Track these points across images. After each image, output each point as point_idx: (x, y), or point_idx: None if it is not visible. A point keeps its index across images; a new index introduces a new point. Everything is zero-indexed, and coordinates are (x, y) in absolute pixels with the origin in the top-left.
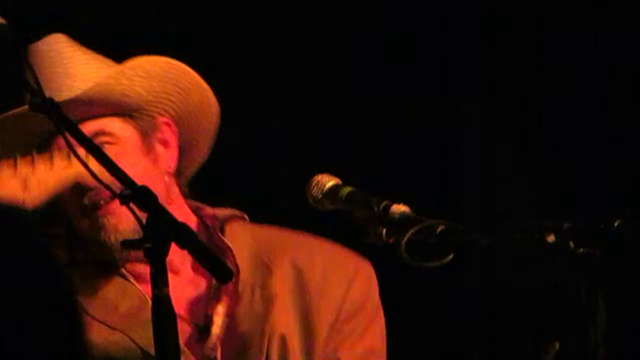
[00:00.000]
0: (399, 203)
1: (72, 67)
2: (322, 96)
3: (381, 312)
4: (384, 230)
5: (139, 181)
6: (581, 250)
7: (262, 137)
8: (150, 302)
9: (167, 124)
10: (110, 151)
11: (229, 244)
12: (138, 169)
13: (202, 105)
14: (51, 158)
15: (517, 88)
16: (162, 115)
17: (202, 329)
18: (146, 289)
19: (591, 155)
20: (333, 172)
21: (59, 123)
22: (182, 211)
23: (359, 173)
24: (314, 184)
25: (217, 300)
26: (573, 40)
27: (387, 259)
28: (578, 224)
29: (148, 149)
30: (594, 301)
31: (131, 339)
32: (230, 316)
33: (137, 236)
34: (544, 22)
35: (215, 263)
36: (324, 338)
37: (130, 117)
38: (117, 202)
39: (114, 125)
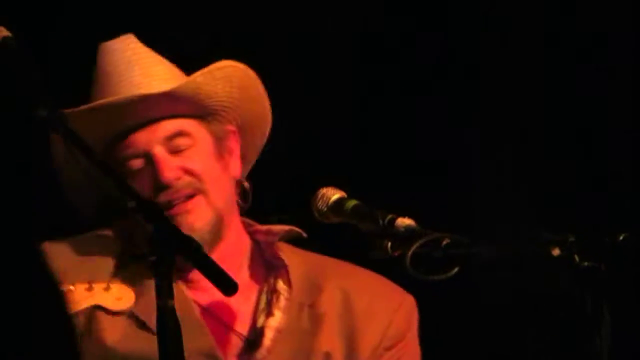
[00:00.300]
0: (404, 216)
1: (150, 67)
2: (317, 102)
3: (418, 346)
4: (390, 244)
5: (214, 185)
6: (586, 263)
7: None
8: (196, 309)
9: (233, 132)
10: (188, 152)
11: (285, 260)
12: (213, 173)
13: (260, 120)
14: None
15: (519, 90)
16: (230, 122)
17: (250, 342)
18: (194, 295)
19: (594, 165)
20: (334, 184)
21: (66, 135)
22: (238, 223)
23: (361, 184)
24: (319, 197)
25: (269, 314)
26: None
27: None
28: (583, 238)
29: (220, 154)
30: (599, 314)
31: None
32: (280, 331)
33: (211, 235)
34: (547, 19)
35: (220, 276)
36: (366, 358)
37: (206, 121)
38: (193, 200)
39: (192, 126)
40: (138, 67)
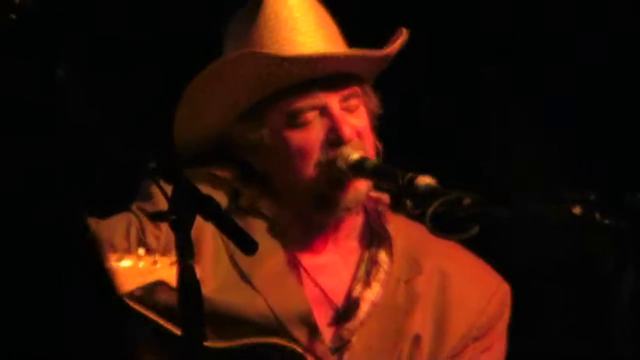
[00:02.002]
0: (424, 175)
1: (324, 18)
2: None
3: (505, 336)
4: (410, 202)
5: (371, 149)
6: (607, 221)
7: None
8: (299, 270)
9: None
10: (356, 113)
11: (391, 233)
12: (370, 136)
13: None
14: None
15: (534, 54)
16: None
17: (345, 310)
18: (299, 256)
19: (613, 125)
20: None
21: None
22: None
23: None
24: (339, 156)
25: (367, 285)
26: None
27: None
28: (603, 196)
29: (371, 119)
30: (621, 271)
31: (269, 306)
32: (376, 305)
33: (364, 198)
34: None
35: (240, 235)
36: (452, 346)
37: (363, 85)
38: None
39: (360, 89)
40: (312, 17)
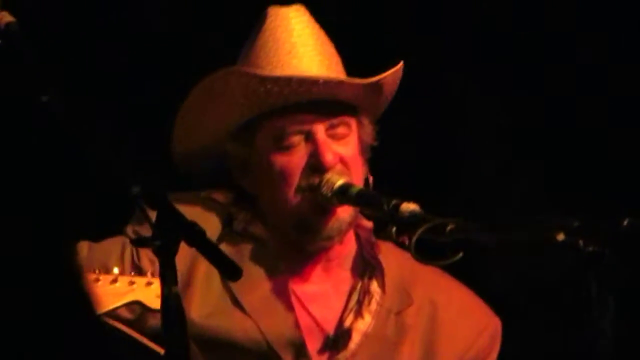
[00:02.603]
0: (408, 201)
1: (322, 45)
2: None
3: None
4: (394, 229)
5: (358, 178)
6: (590, 249)
7: None
8: (291, 299)
9: (372, 131)
10: (344, 142)
11: (383, 263)
12: (358, 166)
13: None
14: None
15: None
16: (370, 121)
17: (336, 340)
18: (292, 284)
19: (599, 151)
20: None
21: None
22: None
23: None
24: (323, 182)
25: (359, 315)
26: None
27: None
28: (587, 223)
29: (362, 149)
30: (602, 299)
31: (260, 331)
32: (367, 336)
33: (347, 227)
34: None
35: (223, 261)
36: None
37: (357, 115)
38: None
39: (351, 118)
40: (312, 42)
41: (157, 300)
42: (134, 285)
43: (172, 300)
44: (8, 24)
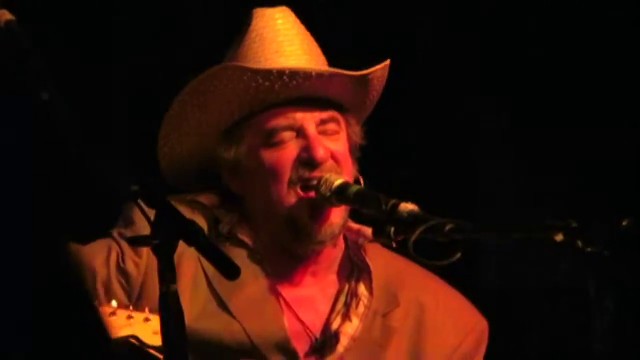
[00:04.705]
0: (407, 201)
1: (309, 43)
2: None
3: None
4: (393, 229)
5: (348, 176)
6: (589, 249)
7: None
8: (279, 301)
9: (359, 130)
10: (334, 138)
11: (370, 265)
12: (348, 163)
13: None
14: None
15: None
16: (357, 121)
17: (323, 343)
18: (280, 287)
19: (598, 152)
20: None
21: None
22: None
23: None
24: (322, 182)
25: (346, 318)
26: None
27: None
28: (586, 223)
29: (351, 148)
30: (601, 300)
31: (247, 333)
32: (355, 339)
33: (339, 230)
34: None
35: (222, 260)
36: None
37: (345, 113)
38: None
39: (340, 116)
40: (299, 42)
41: (154, 336)
42: (132, 320)
43: (170, 298)
44: (7, 22)
